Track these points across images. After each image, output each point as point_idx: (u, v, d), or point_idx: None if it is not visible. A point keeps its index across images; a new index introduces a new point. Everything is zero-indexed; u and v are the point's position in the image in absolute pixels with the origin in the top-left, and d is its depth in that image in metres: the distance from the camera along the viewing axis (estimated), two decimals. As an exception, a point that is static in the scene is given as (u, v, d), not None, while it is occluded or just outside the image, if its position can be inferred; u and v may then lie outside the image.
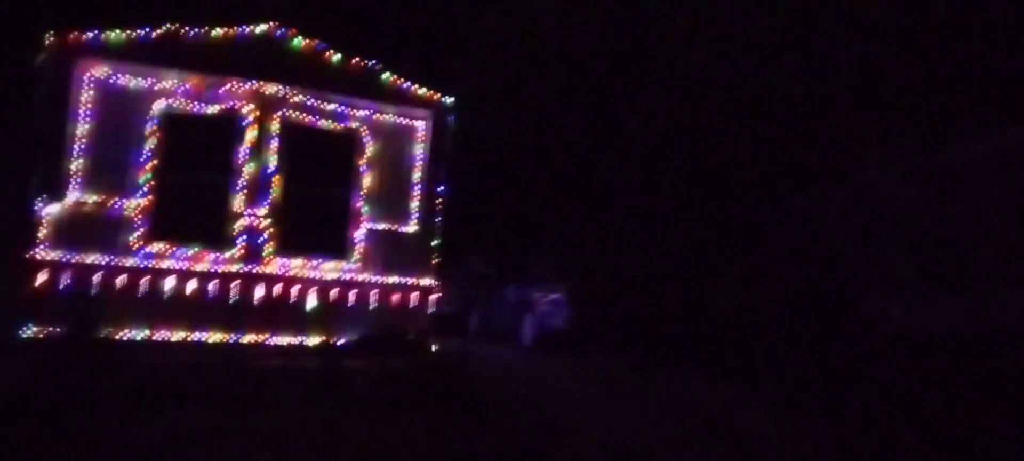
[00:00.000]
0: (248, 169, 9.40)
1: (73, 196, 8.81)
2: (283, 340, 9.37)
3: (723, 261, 10.63)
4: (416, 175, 10.38)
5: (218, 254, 9.23)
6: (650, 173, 11.58)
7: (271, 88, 9.51)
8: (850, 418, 7.41)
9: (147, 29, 9.06)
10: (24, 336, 8.35)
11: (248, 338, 9.19)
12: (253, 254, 9.36)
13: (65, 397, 6.61)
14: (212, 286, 9.17)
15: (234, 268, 9.26)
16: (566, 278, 11.32)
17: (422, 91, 10.28)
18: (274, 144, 9.56)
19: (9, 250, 8.56)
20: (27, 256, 8.54)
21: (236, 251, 9.29)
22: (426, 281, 10.32)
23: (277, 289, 9.46)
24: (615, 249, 11.38)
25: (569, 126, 12.36)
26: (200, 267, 9.15)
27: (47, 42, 8.62)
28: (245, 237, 9.34)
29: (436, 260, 10.48)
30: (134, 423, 5.86)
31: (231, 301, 9.21)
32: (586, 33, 12.19)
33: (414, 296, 10.22)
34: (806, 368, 9.72)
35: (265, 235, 9.43)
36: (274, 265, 9.47)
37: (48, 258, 8.65)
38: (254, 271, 9.34)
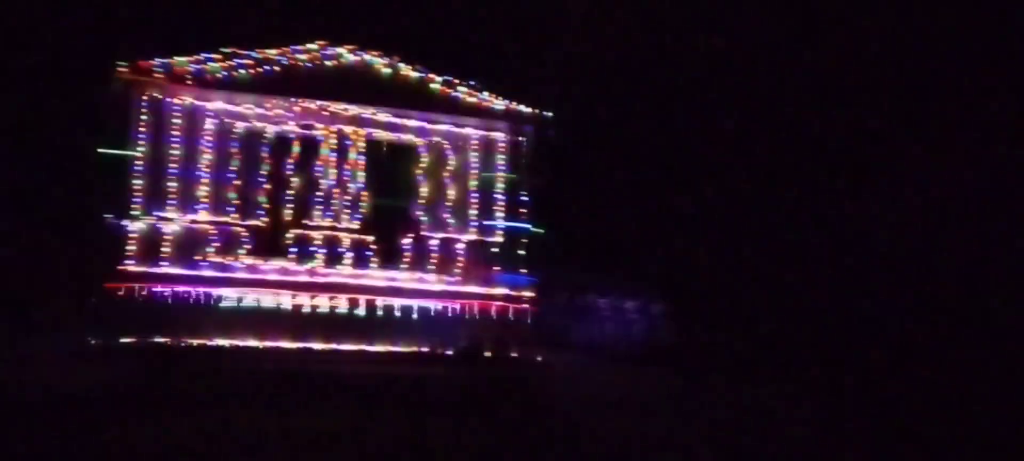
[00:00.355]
0: (328, 185, 9.39)
1: (159, 214, 8.86)
2: (371, 348, 9.09)
3: (830, 268, 10.04)
4: (500, 186, 10.23)
5: (290, 265, 9.12)
6: (754, 176, 11.12)
7: (353, 107, 9.59)
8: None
9: (233, 54, 9.25)
10: (120, 341, 8.23)
11: (332, 347, 8.93)
12: (332, 266, 9.23)
13: (152, 396, 6.39)
14: (289, 297, 9.01)
15: (306, 278, 9.11)
16: (663, 287, 10.83)
17: (501, 104, 10.25)
18: (358, 160, 9.57)
19: (101, 264, 8.55)
20: (116, 270, 8.53)
21: (309, 262, 9.17)
22: (514, 292, 9.97)
23: (360, 300, 9.24)
24: (715, 257, 10.87)
25: (663, 132, 12.06)
26: (278, 279, 9.04)
27: (121, 71, 8.86)
28: (318, 248, 9.24)
29: (525, 270, 10.17)
30: (194, 421, 5.60)
31: (304, 311, 9.01)
32: (678, 38, 11.99)
33: (501, 307, 9.87)
34: (902, 376, 8.95)
35: (350, 248, 9.32)
36: (345, 275, 9.30)
37: (135, 271, 8.61)
38: (326, 281, 9.17)
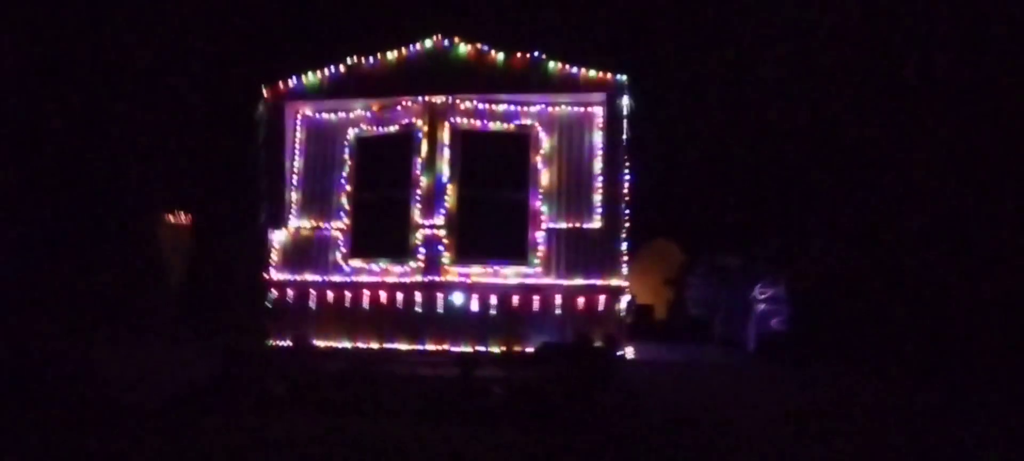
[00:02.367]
0: (424, 181, 9.50)
1: (292, 223, 9.97)
2: (465, 348, 9.19)
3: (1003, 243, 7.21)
4: (597, 165, 9.37)
5: (403, 266, 9.48)
6: (898, 132, 8.46)
7: (439, 98, 9.48)
8: None
9: (335, 66, 9.82)
10: (265, 345, 9.65)
11: (430, 347, 9.25)
12: (433, 264, 9.40)
13: (228, 397, 7.38)
14: (399, 297, 9.46)
15: (416, 279, 9.42)
16: (787, 268, 8.96)
17: (593, 73, 9.22)
18: (446, 153, 9.52)
19: (248, 272, 10.07)
20: (261, 277, 9.93)
21: (418, 262, 9.44)
22: (615, 282, 9.19)
23: (457, 297, 9.36)
24: (853, 228, 8.59)
25: (782, 84, 9.82)
26: (389, 280, 9.52)
27: (264, 93, 9.92)
28: (424, 248, 9.44)
29: (625, 258, 9.31)
30: (256, 425, 6.16)
31: (415, 311, 9.40)
32: None
33: (602, 299, 9.17)
34: None
35: (443, 244, 9.42)
36: (453, 273, 9.39)
37: (277, 278, 9.91)
38: (435, 281, 9.37)
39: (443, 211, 9.27)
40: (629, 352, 9.24)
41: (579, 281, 9.08)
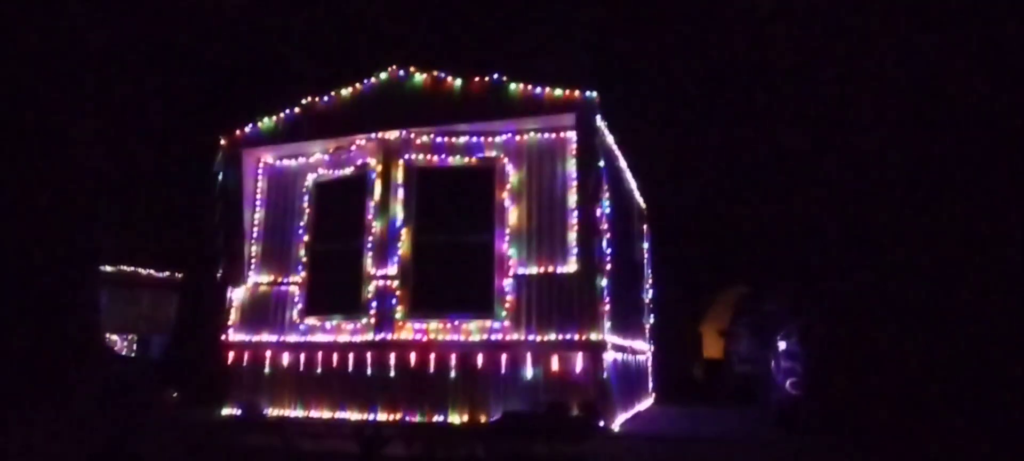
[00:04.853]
0: (376, 226, 8.26)
1: (251, 279, 9.00)
2: (421, 417, 7.74)
3: None
4: (572, 199, 7.82)
5: (354, 323, 8.21)
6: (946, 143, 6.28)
7: (392, 134, 8.30)
8: None
9: (290, 107, 8.92)
10: (221, 416, 8.59)
11: (381, 416, 7.85)
12: (385, 320, 8.05)
13: None
14: (350, 359, 8.16)
15: (368, 337, 8.10)
16: (800, 316, 6.84)
17: (558, 92, 7.77)
18: (400, 193, 8.26)
19: (206, 334, 9.13)
20: (220, 339, 8.95)
21: (369, 318, 8.12)
22: (594, 336, 7.49)
23: (412, 358, 7.93)
24: (882, 262, 6.41)
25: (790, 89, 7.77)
26: (340, 339, 8.26)
27: (221, 142, 9.14)
28: (376, 302, 8.12)
29: (606, 307, 7.61)
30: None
31: (366, 374, 8.05)
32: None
33: (580, 357, 7.47)
34: None
35: (396, 297, 8.08)
36: (408, 330, 7.99)
37: (234, 339, 8.91)
38: (387, 339, 8.01)
39: (396, 259, 7.95)
40: (616, 423, 7.43)
41: (552, 336, 7.43)
